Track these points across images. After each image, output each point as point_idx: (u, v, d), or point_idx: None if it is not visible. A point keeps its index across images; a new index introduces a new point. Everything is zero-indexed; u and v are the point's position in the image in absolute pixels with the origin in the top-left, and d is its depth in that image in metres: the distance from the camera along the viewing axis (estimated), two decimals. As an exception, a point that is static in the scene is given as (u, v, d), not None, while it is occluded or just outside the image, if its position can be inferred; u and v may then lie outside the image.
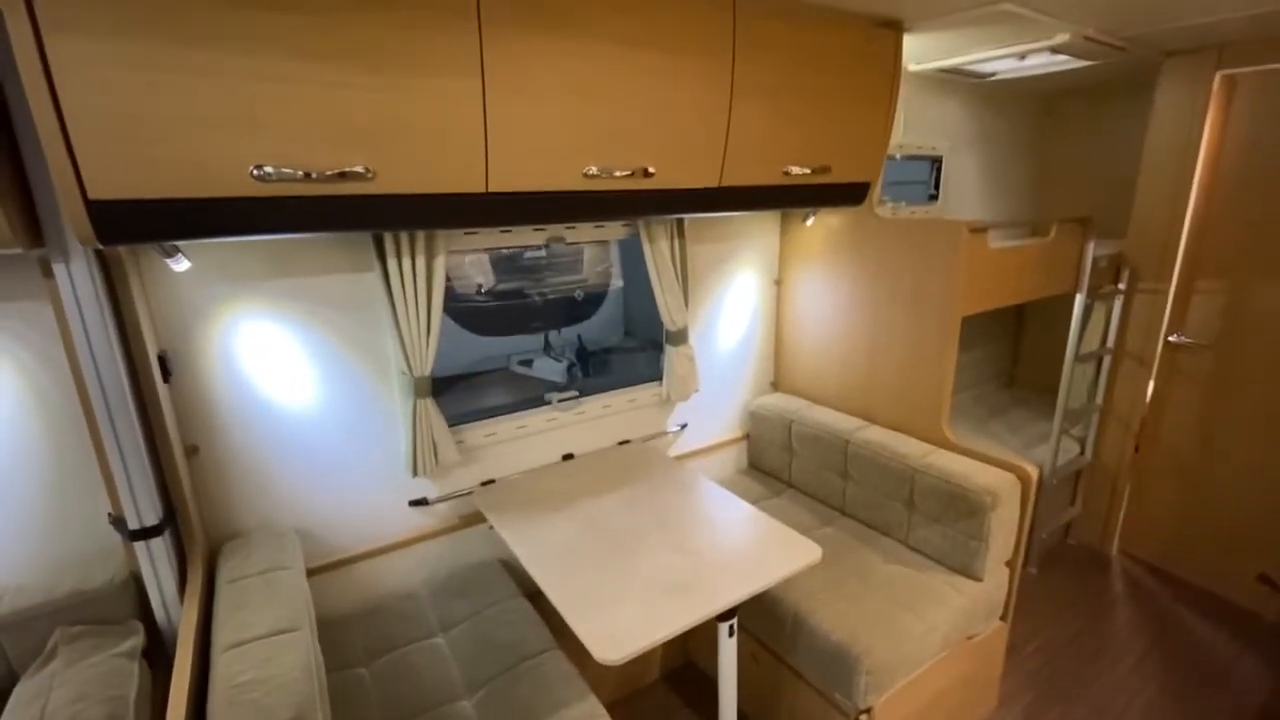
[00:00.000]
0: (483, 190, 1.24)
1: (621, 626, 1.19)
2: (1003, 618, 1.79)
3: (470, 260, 2.28)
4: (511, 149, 1.23)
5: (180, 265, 1.23)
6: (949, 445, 1.83)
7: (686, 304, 2.00)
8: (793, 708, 1.66)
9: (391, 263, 1.44)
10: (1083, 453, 2.67)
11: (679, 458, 2.21)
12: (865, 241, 1.99)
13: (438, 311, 1.51)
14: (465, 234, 1.62)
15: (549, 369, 2.55)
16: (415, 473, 1.59)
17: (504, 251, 2.30)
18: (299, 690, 1.00)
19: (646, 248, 1.85)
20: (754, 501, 2.07)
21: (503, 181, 1.25)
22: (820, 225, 2.12)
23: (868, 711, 1.47)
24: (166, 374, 1.31)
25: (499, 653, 1.45)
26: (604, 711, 1.30)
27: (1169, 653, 2.14)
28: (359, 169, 1.09)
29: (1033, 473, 1.66)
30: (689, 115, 1.43)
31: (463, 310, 2.39)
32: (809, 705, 1.60)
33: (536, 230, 1.73)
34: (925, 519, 1.77)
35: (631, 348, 2.76)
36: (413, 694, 1.37)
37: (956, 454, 1.79)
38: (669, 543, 1.45)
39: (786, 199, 1.74)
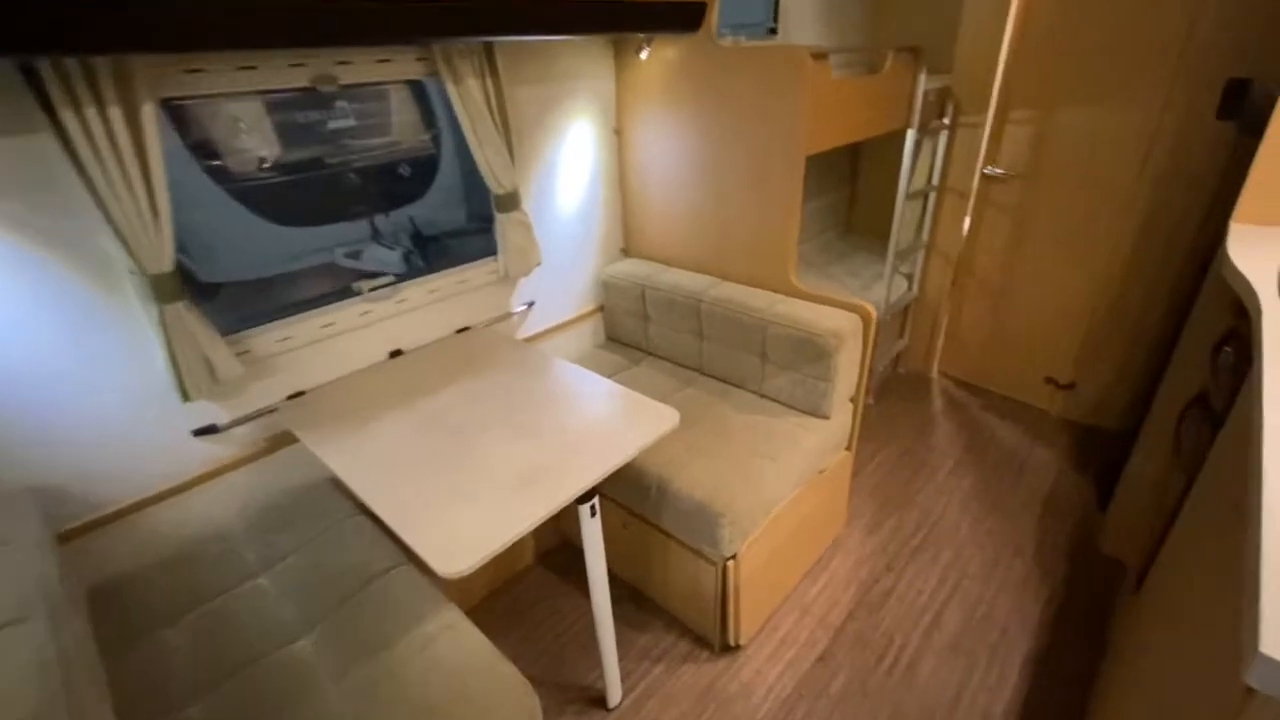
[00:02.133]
0: (168, -9, 0.86)
1: (467, 532, 1.05)
2: (848, 448, 1.91)
3: (245, 125, 1.79)
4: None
5: None
6: (797, 293, 1.82)
7: (513, 160, 1.72)
8: (664, 564, 1.69)
9: (67, 115, 1.01)
10: (910, 288, 2.86)
11: (529, 339, 2.03)
12: (706, 76, 1.79)
13: (161, 185, 1.12)
14: (185, 72, 1.19)
15: (382, 259, 2.19)
16: (187, 396, 1.27)
17: (298, 119, 1.83)
18: (31, 697, 0.76)
19: (451, 89, 1.51)
20: (612, 374, 1.98)
21: (200, -22, 0.88)
22: (657, 60, 1.88)
23: (733, 557, 1.51)
24: None
25: (338, 580, 1.28)
26: (462, 618, 1.20)
27: (978, 454, 2.47)
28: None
29: (873, 312, 1.70)
30: (470, -108, 1.09)
31: (249, 192, 1.91)
32: (679, 560, 1.63)
33: (293, 66, 1.33)
34: (777, 368, 1.78)
35: (478, 229, 2.44)
36: (235, 646, 1.17)
37: (804, 301, 1.78)
38: (518, 432, 1.31)
39: (608, 18, 1.47)
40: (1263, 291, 1.16)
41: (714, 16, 1.73)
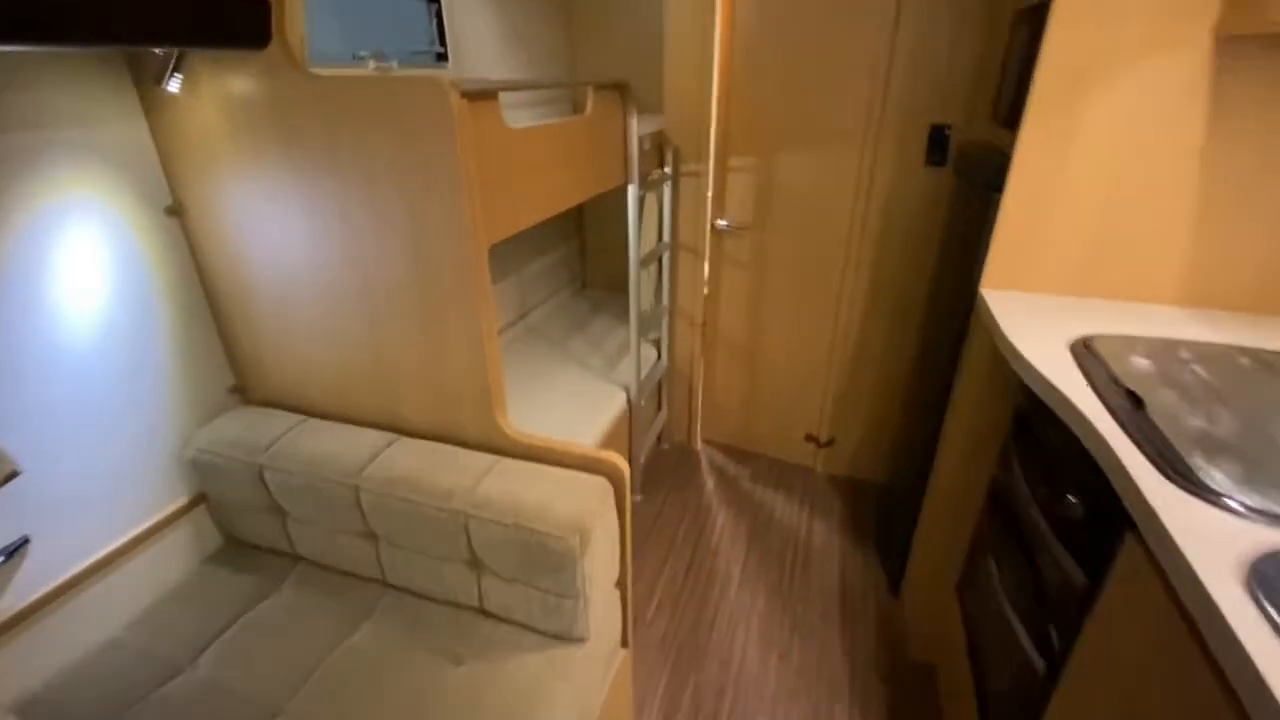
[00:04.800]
0: None
1: None
2: (625, 645, 1.35)
3: None
4: None
5: None
6: (512, 447, 1.19)
7: None
8: None
9: None
10: (659, 358, 2.47)
11: (31, 609, 1.06)
12: (301, 123, 1.07)
13: None
14: None
15: None
16: None
17: None
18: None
19: None
20: (235, 617, 1.13)
21: None
22: (210, 95, 1.09)
23: None
24: None
25: None
26: None
27: (761, 547, 2.13)
28: None
29: (624, 468, 1.15)
30: None
31: None
32: None
33: None
34: (499, 579, 1.13)
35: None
36: None
37: (522, 462, 1.16)
38: None
39: (48, 24, 0.67)
40: (1087, 408, 0.86)
41: (296, 23, 1.02)
